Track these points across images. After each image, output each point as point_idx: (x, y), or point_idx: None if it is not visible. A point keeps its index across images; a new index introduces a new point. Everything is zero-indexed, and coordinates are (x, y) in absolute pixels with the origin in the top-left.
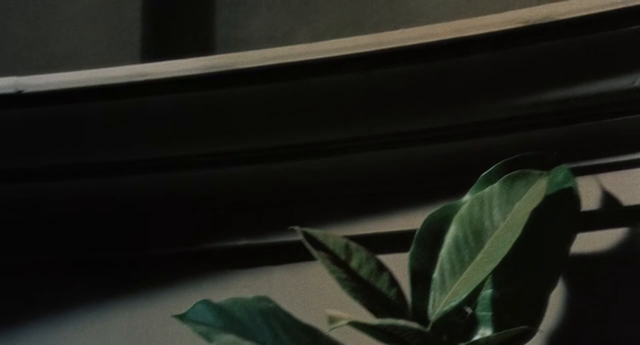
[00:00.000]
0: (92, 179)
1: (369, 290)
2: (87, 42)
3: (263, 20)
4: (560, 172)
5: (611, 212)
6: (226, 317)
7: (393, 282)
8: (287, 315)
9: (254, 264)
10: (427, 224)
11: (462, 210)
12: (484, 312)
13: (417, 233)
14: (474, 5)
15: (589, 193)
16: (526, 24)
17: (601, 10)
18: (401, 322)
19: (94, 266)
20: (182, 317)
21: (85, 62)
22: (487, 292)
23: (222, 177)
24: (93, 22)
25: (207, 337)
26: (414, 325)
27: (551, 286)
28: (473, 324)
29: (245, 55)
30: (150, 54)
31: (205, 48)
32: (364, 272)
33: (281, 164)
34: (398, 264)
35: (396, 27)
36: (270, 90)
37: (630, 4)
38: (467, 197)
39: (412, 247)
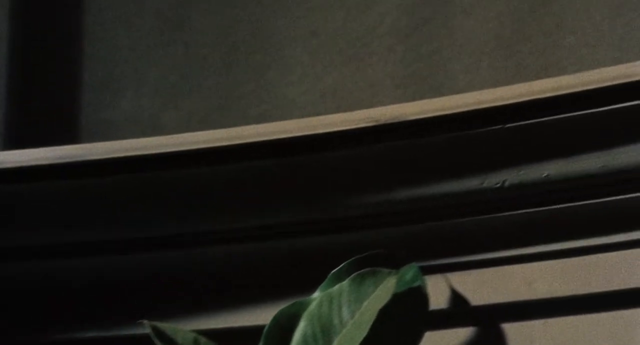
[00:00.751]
0: None
1: None
2: None
3: (129, 103)
4: (410, 271)
5: (459, 311)
6: None
7: None
8: None
9: None
10: (277, 319)
11: (312, 307)
12: None
13: (266, 329)
14: (340, 94)
15: (438, 292)
16: (377, 123)
17: (451, 111)
18: None
19: None
20: None
21: None
22: None
23: (70, 268)
24: None
25: None
26: None
27: None
28: None
29: (96, 146)
30: (13, 136)
31: (70, 129)
32: None
33: (130, 256)
34: None
35: (263, 113)
36: (119, 182)
37: (480, 107)
38: (317, 294)
39: (260, 343)
